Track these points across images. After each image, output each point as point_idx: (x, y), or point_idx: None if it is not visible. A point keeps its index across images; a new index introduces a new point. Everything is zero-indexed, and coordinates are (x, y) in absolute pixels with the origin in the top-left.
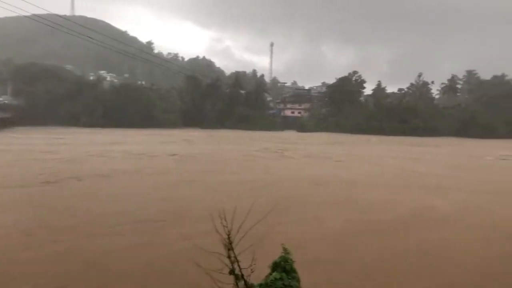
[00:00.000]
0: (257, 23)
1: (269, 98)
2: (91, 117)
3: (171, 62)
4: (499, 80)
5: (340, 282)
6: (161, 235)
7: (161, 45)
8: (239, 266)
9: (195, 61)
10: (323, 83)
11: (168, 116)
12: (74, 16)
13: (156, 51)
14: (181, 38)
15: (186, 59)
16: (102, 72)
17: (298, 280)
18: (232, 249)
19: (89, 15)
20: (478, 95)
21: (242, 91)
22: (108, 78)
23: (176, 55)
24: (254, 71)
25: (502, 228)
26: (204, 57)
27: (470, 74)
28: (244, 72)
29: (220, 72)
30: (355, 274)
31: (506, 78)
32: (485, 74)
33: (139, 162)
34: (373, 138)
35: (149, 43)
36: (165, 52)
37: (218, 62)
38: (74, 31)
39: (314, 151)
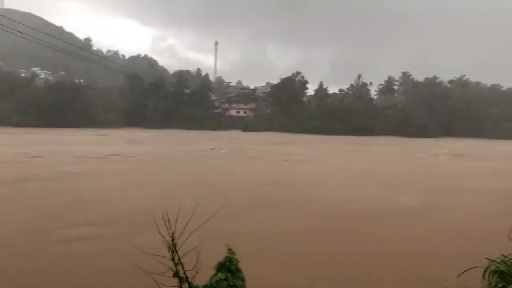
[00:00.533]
0: (202, 21)
1: (214, 98)
2: (24, 117)
3: (111, 60)
4: (431, 82)
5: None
6: (101, 239)
7: (100, 42)
8: (183, 268)
9: (136, 59)
10: (268, 83)
11: (108, 115)
12: (3, 9)
13: (95, 48)
14: (122, 35)
15: (127, 57)
16: (36, 69)
17: (243, 280)
18: (176, 251)
19: (21, 8)
20: (413, 96)
21: (187, 90)
22: (42, 76)
23: (116, 53)
24: (199, 70)
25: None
26: (146, 55)
27: (405, 75)
28: (188, 71)
29: (163, 70)
30: (301, 271)
31: (438, 80)
32: (420, 75)
33: (72, 165)
34: (317, 138)
35: (87, 40)
36: (104, 50)
37: (161, 61)
38: (2, 25)
39: (261, 151)
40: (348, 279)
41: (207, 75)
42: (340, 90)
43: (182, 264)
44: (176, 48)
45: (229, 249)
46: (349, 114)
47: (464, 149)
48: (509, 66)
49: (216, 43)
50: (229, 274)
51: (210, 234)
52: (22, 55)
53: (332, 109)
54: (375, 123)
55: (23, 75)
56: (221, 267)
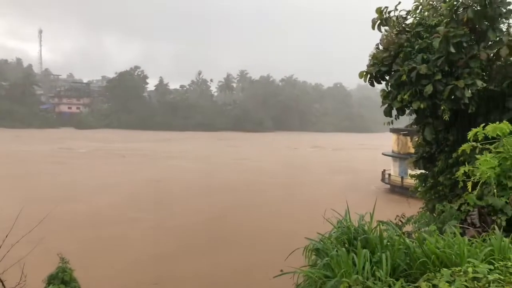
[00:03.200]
0: (22, 4)
1: (39, 92)
2: None
3: None
4: (266, 80)
5: None
6: None
7: None
8: (3, 285)
9: None
10: (104, 77)
11: None
12: None
13: None
14: None
15: None
16: None
17: None
18: None
19: None
20: (250, 93)
21: (4, 83)
22: None
23: None
24: (19, 60)
25: None
26: None
27: (243, 73)
28: (6, 61)
29: None
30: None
31: (271, 79)
32: (256, 74)
33: None
34: (163, 134)
35: None
36: None
37: None
38: None
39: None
40: None
41: (30, 66)
42: (182, 86)
43: (2, 282)
44: None
45: (62, 259)
46: (191, 110)
47: (319, 142)
48: (328, 67)
49: (40, 31)
50: (62, 286)
51: (40, 243)
52: None
53: (174, 105)
54: (216, 119)
55: None
56: (52, 279)
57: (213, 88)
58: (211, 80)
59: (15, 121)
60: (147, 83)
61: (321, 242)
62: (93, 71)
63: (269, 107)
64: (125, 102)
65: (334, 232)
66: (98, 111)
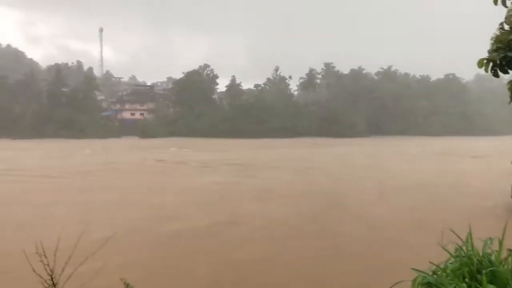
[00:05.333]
0: (82, 2)
1: (100, 97)
2: None
3: None
4: (357, 74)
5: None
6: None
7: None
8: None
9: None
10: (169, 79)
11: None
12: None
13: None
14: None
15: None
16: None
17: None
18: None
19: None
20: (337, 90)
21: (65, 89)
22: None
23: None
24: (80, 63)
25: None
26: (9, 46)
27: (328, 67)
28: (67, 64)
29: (33, 64)
30: None
31: (364, 71)
32: (344, 67)
33: None
34: (236, 142)
35: None
36: None
37: (30, 52)
38: None
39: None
40: None
41: (90, 69)
42: (256, 86)
43: None
44: (48, 36)
45: (126, 284)
46: (267, 113)
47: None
48: (436, 55)
49: (101, 30)
50: None
51: (102, 267)
52: None
53: (248, 107)
54: (296, 122)
55: None
56: None
57: (293, 86)
58: (290, 77)
59: (75, 131)
60: (217, 84)
61: (434, 275)
62: (158, 72)
63: (361, 106)
64: (193, 106)
65: (450, 263)
66: (164, 118)
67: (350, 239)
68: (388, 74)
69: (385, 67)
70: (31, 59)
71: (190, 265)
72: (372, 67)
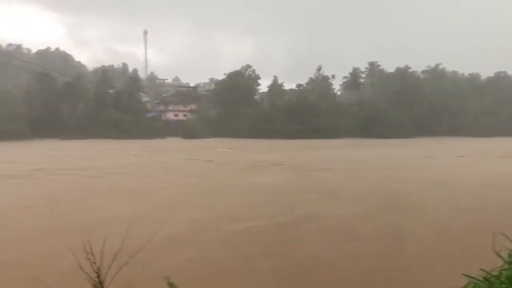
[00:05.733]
0: (127, 5)
1: (145, 99)
2: None
3: (13, 56)
4: (403, 73)
5: None
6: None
7: None
8: None
9: (45, 53)
10: (212, 79)
11: (9, 125)
12: None
13: None
14: (25, 24)
15: (33, 52)
16: None
17: None
18: None
19: None
20: (381, 90)
21: (111, 91)
22: None
23: (19, 47)
24: (125, 65)
25: None
26: (58, 49)
27: (373, 65)
28: (113, 67)
29: (80, 67)
30: None
31: (410, 70)
32: (390, 65)
33: None
34: (282, 143)
35: None
36: (3, 43)
37: (77, 55)
38: None
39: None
40: None
41: (135, 71)
42: (298, 85)
43: None
44: (94, 39)
45: (170, 284)
46: (309, 114)
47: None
48: (487, 52)
49: (145, 32)
50: None
51: (145, 267)
52: None
53: (290, 108)
54: (339, 123)
55: None
56: None
57: (336, 86)
58: (333, 77)
59: (121, 131)
60: (259, 84)
61: (486, 281)
62: (201, 73)
63: (407, 106)
64: (235, 107)
65: (505, 269)
66: (206, 118)
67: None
68: (435, 72)
69: (432, 65)
70: (78, 62)
71: (260, 262)
72: (418, 65)
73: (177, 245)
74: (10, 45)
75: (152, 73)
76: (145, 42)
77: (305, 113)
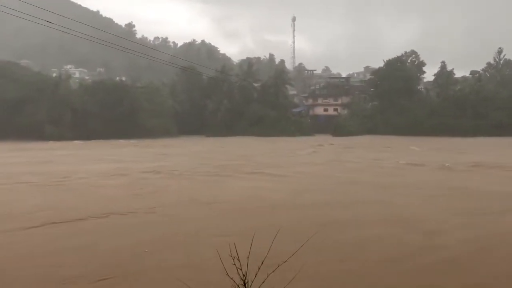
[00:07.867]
0: None
1: (292, 92)
2: (58, 127)
3: (159, 50)
4: None
5: None
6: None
7: (144, 27)
8: None
9: (191, 46)
10: (367, 68)
11: (157, 121)
12: None
13: (138, 35)
14: (171, 17)
15: (179, 45)
16: (69, 67)
17: None
18: None
19: None
20: None
21: (256, 84)
22: (77, 75)
23: (165, 40)
24: (272, 56)
25: None
26: (203, 41)
27: None
28: (259, 58)
29: (225, 59)
30: None
31: None
32: None
33: None
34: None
35: (129, 26)
36: (150, 37)
37: (223, 47)
38: (27, 14)
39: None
40: None
41: (282, 62)
42: (473, 73)
43: None
44: (240, 30)
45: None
46: (487, 106)
47: None
48: None
49: (293, 19)
50: None
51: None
52: (52, 49)
53: (462, 99)
54: None
55: (54, 75)
56: None
57: None
58: None
59: (266, 128)
60: (423, 72)
61: None
62: (355, 62)
63: None
64: (394, 100)
65: None
66: (360, 113)
67: None
68: None
69: None
70: (223, 54)
71: None
72: None
73: None
74: (156, 39)
75: (300, 64)
76: (293, 30)
77: (482, 106)
